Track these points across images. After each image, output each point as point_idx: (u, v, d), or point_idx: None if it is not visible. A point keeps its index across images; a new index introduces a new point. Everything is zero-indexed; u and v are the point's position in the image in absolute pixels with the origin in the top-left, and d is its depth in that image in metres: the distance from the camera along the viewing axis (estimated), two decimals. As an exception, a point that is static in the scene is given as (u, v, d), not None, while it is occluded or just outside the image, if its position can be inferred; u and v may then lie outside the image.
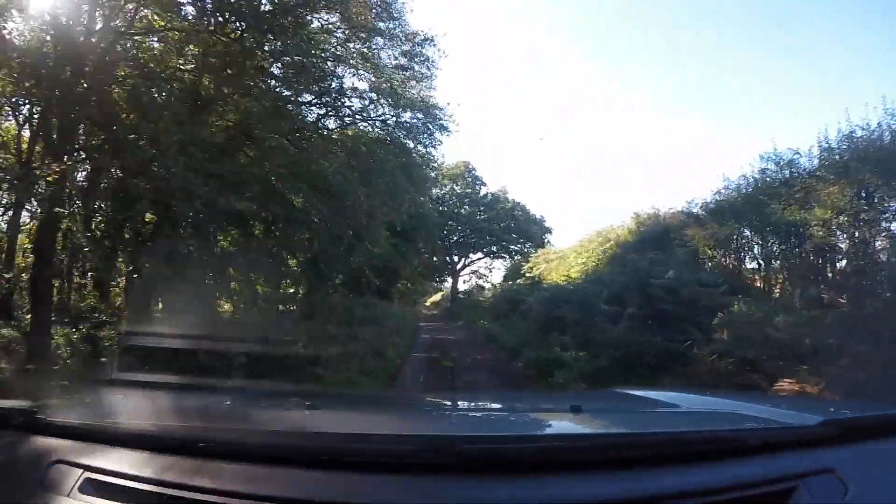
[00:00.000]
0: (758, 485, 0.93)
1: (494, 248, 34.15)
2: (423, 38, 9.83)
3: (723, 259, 11.23)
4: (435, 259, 33.44)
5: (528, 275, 20.97)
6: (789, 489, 0.92)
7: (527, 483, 0.91)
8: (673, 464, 0.96)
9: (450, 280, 36.51)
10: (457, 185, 33.05)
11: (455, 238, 33.67)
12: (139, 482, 0.94)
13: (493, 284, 32.50)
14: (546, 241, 32.80)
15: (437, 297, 42.14)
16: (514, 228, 33.04)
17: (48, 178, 5.53)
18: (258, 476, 0.93)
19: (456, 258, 35.12)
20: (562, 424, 1.44)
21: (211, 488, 0.90)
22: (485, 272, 35.74)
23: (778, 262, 10.12)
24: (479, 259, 35.77)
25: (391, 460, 0.95)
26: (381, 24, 9.11)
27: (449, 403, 2.07)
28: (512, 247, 33.65)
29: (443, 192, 32.26)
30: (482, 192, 33.49)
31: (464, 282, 35.70)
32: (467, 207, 33.35)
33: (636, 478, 0.92)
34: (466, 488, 0.89)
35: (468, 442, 1.05)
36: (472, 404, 2.03)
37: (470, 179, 33.47)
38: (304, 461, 0.95)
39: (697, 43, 38.70)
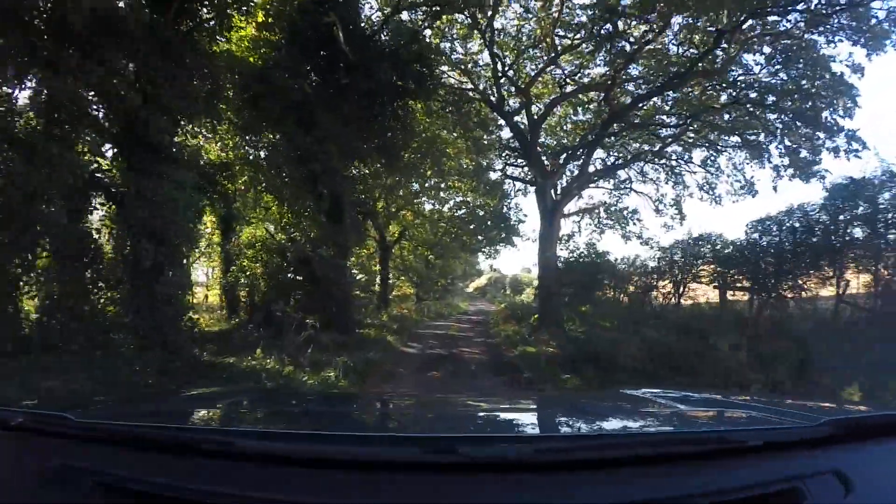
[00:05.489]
0: (760, 485, 0.92)
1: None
2: None
3: None
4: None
5: None
6: (792, 490, 0.92)
7: (527, 483, 0.90)
8: (675, 464, 0.96)
9: (529, 239, 15.72)
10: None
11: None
12: (141, 483, 0.95)
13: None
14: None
15: (481, 280, 25.87)
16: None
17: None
18: (258, 477, 0.93)
19: (546, 163, 13.98)
20: (562, 425, 1.44)
21: (212, 490, 0.91)
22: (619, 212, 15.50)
23: None
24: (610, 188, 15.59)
25: (391, 461, 0.95)
26: None
27: (449, 404, 2.07)
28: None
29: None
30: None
31: (565, 238, 15.31)
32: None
33: (637, 478, 0.93)
34: (466, 489, 0.89)
35: (468, 442, 1.05)
36: (472, 405, 2.02)
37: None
38: (304, 462, 0.95)
39: None
